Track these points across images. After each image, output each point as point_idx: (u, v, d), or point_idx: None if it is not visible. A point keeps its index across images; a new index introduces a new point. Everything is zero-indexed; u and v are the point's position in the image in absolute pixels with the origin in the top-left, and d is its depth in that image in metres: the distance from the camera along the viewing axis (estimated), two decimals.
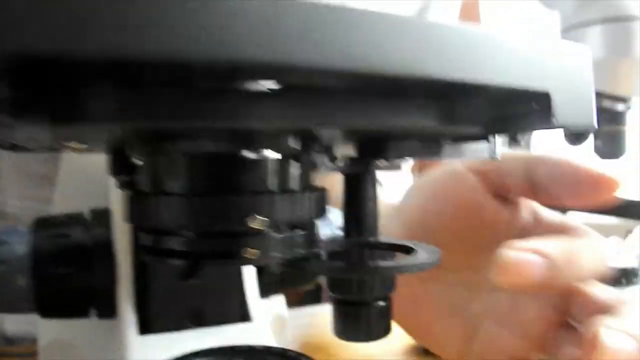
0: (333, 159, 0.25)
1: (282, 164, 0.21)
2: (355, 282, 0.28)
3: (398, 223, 0.38)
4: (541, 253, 0.28)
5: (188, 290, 0.34)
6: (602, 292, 0.31)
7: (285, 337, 0.49)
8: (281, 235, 0.21)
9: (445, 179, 0.38)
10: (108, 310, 0.35)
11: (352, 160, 0.28)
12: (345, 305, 0.29)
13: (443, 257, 0.26)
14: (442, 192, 0.38)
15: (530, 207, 0.36)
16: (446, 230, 0.36)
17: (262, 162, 0.20)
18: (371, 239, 0.28)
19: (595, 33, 0.63)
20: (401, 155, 0.24)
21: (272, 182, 0.21)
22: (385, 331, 0.29)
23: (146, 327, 0.34)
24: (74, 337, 0.41)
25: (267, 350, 0.28)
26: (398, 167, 0.29)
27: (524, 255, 0.28)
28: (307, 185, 0.23)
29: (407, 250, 0.26)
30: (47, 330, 0.41)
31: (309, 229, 0.23)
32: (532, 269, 0.27)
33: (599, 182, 0.31)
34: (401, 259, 0.24)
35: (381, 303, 0.29)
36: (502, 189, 0.36)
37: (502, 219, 0.36)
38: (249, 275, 0.36)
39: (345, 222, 0.29)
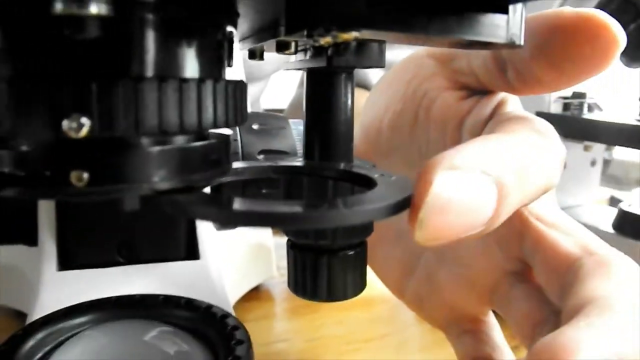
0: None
1: (140, 28, 0.12)
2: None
3: (357, 124, 0.28)
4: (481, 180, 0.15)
5: (120, 221, 0.27)
6: (564, 238, 0.20)
7: (269, 268, 0.43)
8: (140, 151, 0.12)
9: (402, 67, 0.28)
10: (34, 238, 0.29)
11: (314, 49, 0.20)
12: (301, 252, 0.21)
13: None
14: (394, 82, 0.28)
15: (493, 101, 0.24)
16: (392, 129, 0.27)
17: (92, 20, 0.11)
18: (318, 164, 0.20)
19: None
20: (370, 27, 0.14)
21: (120, 59, 0.12)
22: (355, 288, 0.22)
23: (67, 261, 0.27)
24: (19, 261, 0.36)
25: (168, 300, 0.21)
26: (380, 64, 0.20)
27: (448, 193, 0.15)
28: (206, 75, 0.14)
29: (369, 182, 0.17)
30: None
31: (207, 143, 0.14)
32: (467, 215, 0.15)
33: (597, 28, 0.18)
34: (342, 200, 0.15)
35: (350, 252, 0.21)
36: (466, 78, 0.25)
37: (454, 115, 0.25)
38: None
39: (305, 139, 0.21)
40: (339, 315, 0.42)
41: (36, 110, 0.11)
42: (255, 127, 0.31)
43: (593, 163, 0.49)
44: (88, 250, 0.27)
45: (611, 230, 0.43)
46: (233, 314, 0.23)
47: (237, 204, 0.13)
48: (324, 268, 0.21)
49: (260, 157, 0.30)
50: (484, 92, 0.24)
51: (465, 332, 0.26)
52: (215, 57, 0.14)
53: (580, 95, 0.44)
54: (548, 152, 0.19)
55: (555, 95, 0.45)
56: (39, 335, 0.20)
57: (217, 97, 0.13)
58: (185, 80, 0.12)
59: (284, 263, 0.24)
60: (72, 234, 0.27)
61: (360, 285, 0.22)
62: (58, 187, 0.12)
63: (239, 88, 0.14)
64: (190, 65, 0.13)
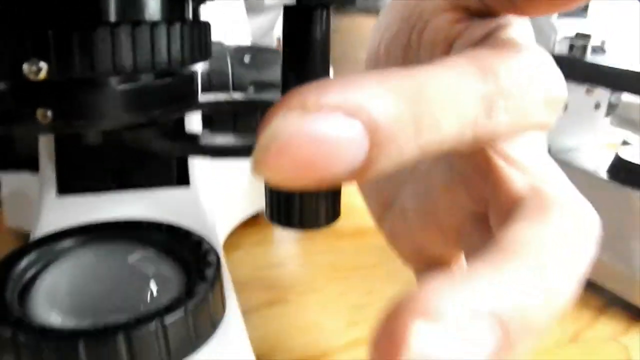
0: None
1: None
2: None
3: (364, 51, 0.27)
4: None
5: (113, 148, 0.28)
6: (518, 176, 0.18)
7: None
8: (98, 90, 0.14)
9: None
10: (37, 165, 0.31)
11: None
12: None
13: None
14: (397, 4, 0.25)
15: (491, 24, 0.21)
16: (387, 54, 0.25)
17: None
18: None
19: None
20: None
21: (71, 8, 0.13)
22: (327, 218, 0.23)
23: (65, 186, 0.29)
24: (25, 186, 0.38)
25: (151, 226, 0.23)
26: (351, 2, 0.20)
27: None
28: (160, 17, 0.14)
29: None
30: (7, 183, 0.39)
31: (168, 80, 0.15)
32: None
33: None
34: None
35: None
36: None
37: (444, 38, 0.22)
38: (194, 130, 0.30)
39: (282, 76, 0.22)
40: (332, 244, 0.43)
41: (1, 55, 0.12)
42: (246, 60, 0.31)
43: (597, 106, 0.48)
44: (85, 177, 0.29)
45: (605, 177, 0.42)
46: (217, 240, 0.25)
47: (192, 138, 0.14)
48: (296, 198, 0.22)
49: (251, 88, 0.31)
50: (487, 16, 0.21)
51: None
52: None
53: (584, 37, 0.43)
54: (473, 89, 0.15)
55: (561, 34, 0.44)
56: (33, 255, 0.21)
57: (170, 37, 0.14)
58: (138, 24, 0.13)
59: None
60: (70, 162, 0.28)
61: (333, 214, 0.23)
62: (26, 123, 0.13)
63: (198, 28, 0.15)
64: (145, 8, 0.14)
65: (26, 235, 0.43)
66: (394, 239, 0.28)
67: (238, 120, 0.23)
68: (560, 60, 0.45)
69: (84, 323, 0.18)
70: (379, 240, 0.44)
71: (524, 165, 0.19)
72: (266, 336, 0.20)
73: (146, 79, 0.15)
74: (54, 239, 0.22)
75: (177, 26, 0.14)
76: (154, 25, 0.13)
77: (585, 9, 0.47)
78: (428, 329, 0.12)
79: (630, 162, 0.41)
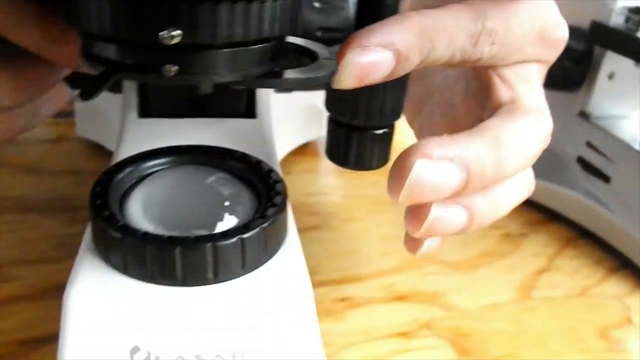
0: None
1: None
2: (349, 104, 0.24)
3: None
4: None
5: None
6: (504, 90, 0.26)
7: (319, 128, 0.47)
8: (211, 54, 0.17)
9: None
10: (118, 87, 0.34)
11: None
12: (338, 126, 0.26)
13: None
14: None
15: None
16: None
17: None
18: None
19: None
20: None
21: None
22: (379, 162, 0.26)
23: (146, 110, 0.32)
24: (102, 104, 0.42)
25: (227, 153, 0.26)
26: None
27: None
28: None
29: (312, 56, 0.22)
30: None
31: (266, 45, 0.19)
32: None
33: None
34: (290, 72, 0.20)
35: (377, 131, 0.25)
36: None
37: None
38: None
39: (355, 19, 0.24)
40: (375, 178, 0.47)
41: (144, 24, 0.16)
42: (316, 4, 0.34)
43: None
44: (164, 102, 0.32)
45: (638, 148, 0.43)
46: (279, 169, 0.28)
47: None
48: (354, 143, 0.25)
49: (319, 33, 0.34)
50: None
51: None
52: None
53: (638, 11, 0.43)
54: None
55: (621, 3, 0.44)
56: (127, 170, 0.25)
57: (274, 12, 0.17)
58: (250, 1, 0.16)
59: None
60: (151, 89, 0.32)
61: (384, 159, 0.27)
62: (156, 74, 0.17)
63: (292, 3, 0.18)
64: None
65: (93, 144, 0.47)
66: (421, 135, 0.34)
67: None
68: (610, 31, 0.45)
69: (172, 233, 0.22)
70: None
71: (512, 84, 0.26)
72: (309, 257, 0.23)
73: (247, 44, 0.18)
74: (144, 158, 0.26)
75: (278, 3, 0.17)
76: (262, 2, 0.17)
77: None
78: (424, 163, 0.21)
79: None
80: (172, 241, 0.20)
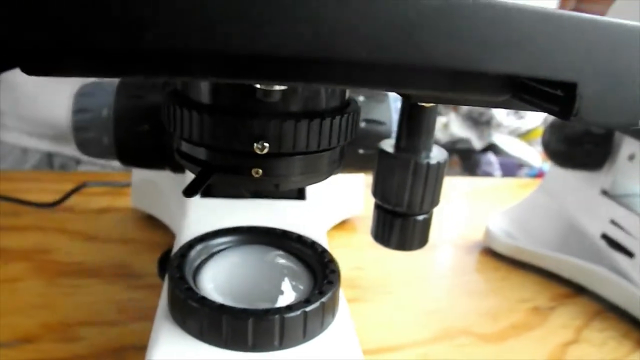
0: None
1: (293, 96, 0.20)
2: (394, 194, 0.28)
3: None
4: None
5: None
6: None
7: (358, 205, 0.51)
8: (290, 160, 0.21)
9: None
10: (180, 167, 0.38)
11: None
12: (382, 211, 0.29)
13: None
14: None
15: None
16: None
17: (274, 93, 0.19)
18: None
19: None
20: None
21: (282, 110, 0.20)
22: (420, 243, 0.29)
23: (207, 191, 0.36)
24: (164, 182, 0.46)
25: (285, 234, 0.30)
26: None
27: None
28: (333, 109, 0.22)
29: None
30: (137, 171, 0.46)
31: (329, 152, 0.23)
32: None
33: None
34: None
35: (419, 217, 0.29)
36: None
37: None
38: None
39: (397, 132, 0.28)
40: (407, 253, 0.50)
41: (240, 137, 0.20)
42: (361, 98, 0.38)
43: None
44: (225, 186, 0.36)
45: None
46: (328, 248, 0.32)
47: None
48: (397, 227, 0.29)
49: (363, 124, 0.38)
50: None
51: None
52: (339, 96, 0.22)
53: None
54: None
55: None
56: (198, 247, 0.29)
57: (340, 127, 0.21)
58: (323, 117, 0.20)
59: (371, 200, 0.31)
60: None
61: (424, 241, 0.30)
62: (244, 176, 0.21)
63: (354, 114, 0.22)
64: (325, 106, 0.21)
65: (147, 215, 0.51)
66: None
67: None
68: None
69: (240, 304, 0.25)
70: (446, 255, 0.50)
71: None
72: None
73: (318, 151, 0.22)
74: (211, 237, 0.30)
75: (341, 118, 0.21)
76: (332, 119, 0.21)
77: None
78: None
79: None
80: (245, 312, 0.24)
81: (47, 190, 0.58)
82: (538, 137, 1.73)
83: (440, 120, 1.81)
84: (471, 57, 0.14)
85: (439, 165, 0.27)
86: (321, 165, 0.22)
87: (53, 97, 0.63)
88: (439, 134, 1.82)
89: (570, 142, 0.50)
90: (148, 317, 0.28)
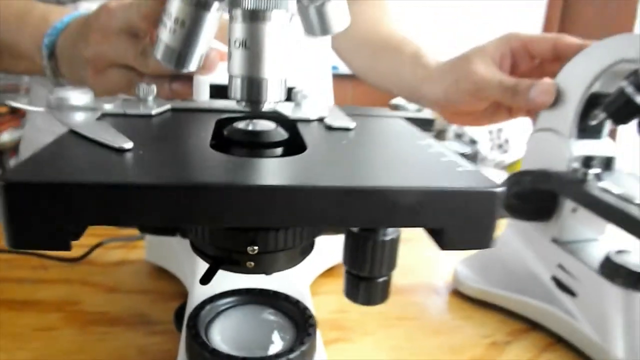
0: None
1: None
2: (363, 263, 0.36)
3: None
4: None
5: None
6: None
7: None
8: (274, 256, 0.30)
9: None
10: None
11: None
12: (352, 276, 0.37)
13: None
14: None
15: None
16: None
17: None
18: None
19: None
20: None
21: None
22: (382, 299, 0.38)
23: None
24: (175, 244, 0.54)
25: (275, 294, 0.38)
26: None
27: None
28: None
29: None
30: None
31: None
32: None
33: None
34: None
35: (380, 280, 0.37)
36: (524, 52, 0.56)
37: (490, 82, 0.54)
38: None
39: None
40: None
41: (238, 243, 0.29)
42: None
43: None
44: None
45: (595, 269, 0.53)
46: (311, 304, 0.40)
47: None
48: (362, 288, 0.37)
49: None
50: None
51: None
52: None
53: (586, 163, 0.55)
54: None
55: (575, 152, 0.56)
56: (207, 307, 0.37)
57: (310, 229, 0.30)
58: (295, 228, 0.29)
59: None
60: None
61: (385, 297, 0.38)
62: (241, 267, 0.29)
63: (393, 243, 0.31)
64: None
65: (159, 268, 0.59)
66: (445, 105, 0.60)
67: None
68: (563, 180, 0.55)
69: (242, 352, 0.33)
70: (420, 297, 0.58)
71: None
72: None
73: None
74: (218, 298, 0.38)
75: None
76: (302, 228, 0.29)
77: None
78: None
79: (616, 263, 0.51)
80: None
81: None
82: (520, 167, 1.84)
83: None
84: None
85: (392, 241, 0.35)
86: (295, 255, 0.31)
87: None
88: None
89: (520, 198, 0.58)
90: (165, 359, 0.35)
